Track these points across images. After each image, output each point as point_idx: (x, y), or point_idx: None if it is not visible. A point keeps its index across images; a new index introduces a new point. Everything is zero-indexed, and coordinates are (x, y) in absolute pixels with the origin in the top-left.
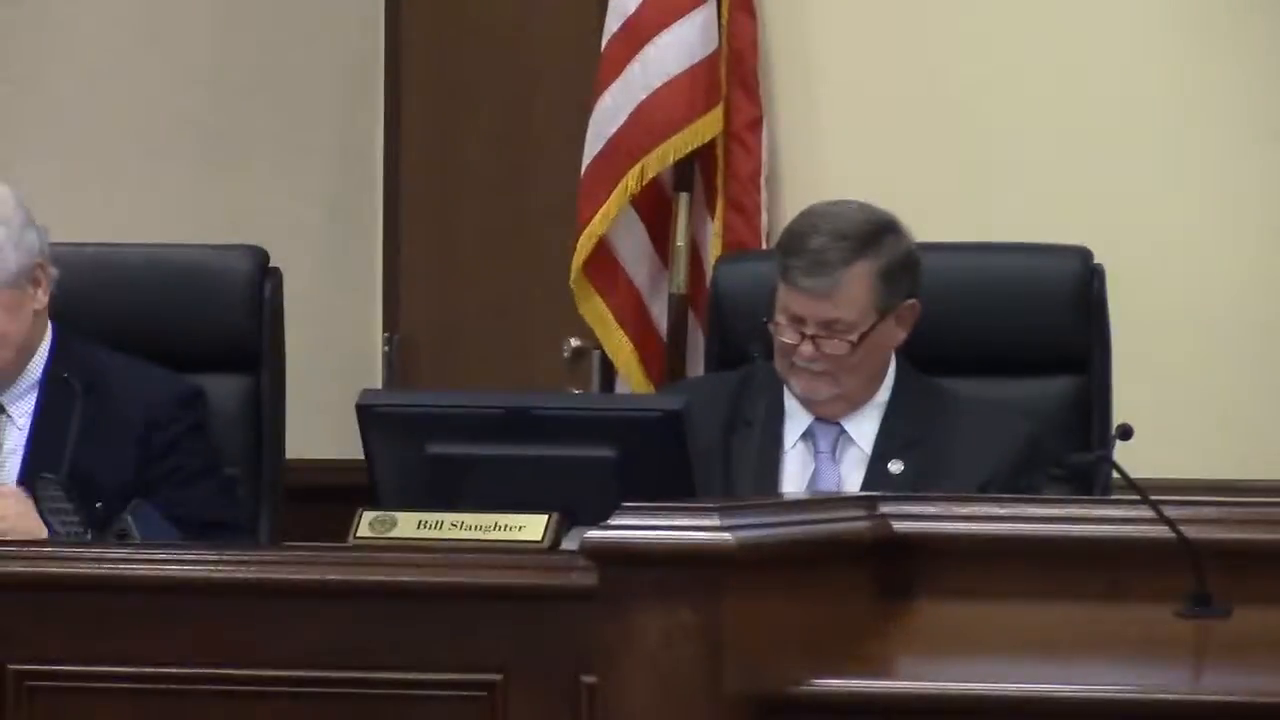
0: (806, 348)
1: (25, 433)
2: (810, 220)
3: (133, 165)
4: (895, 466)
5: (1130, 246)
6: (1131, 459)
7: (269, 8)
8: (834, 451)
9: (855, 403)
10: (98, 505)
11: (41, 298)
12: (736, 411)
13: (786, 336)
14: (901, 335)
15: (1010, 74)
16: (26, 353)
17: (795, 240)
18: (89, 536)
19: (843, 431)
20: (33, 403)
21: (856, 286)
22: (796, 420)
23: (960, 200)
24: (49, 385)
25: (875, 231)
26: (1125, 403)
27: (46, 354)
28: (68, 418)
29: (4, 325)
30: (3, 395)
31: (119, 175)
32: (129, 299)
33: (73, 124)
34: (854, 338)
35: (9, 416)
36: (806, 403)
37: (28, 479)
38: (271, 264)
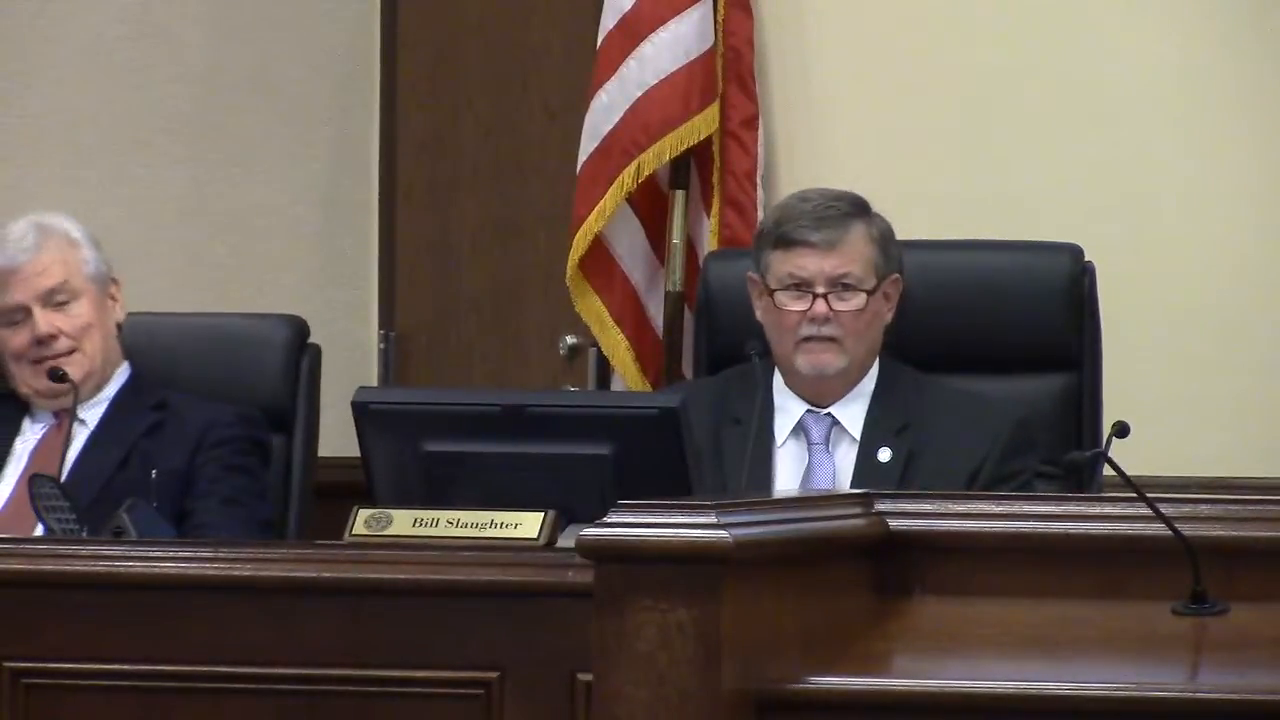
0: (819, 307)
1: (92, 433)
2: (796, 196)
3: (128, 164)
4: (884, 455)
5: (1122, 244)
6: (1123, 456)
7: (264, 6)
8: (827, 442)
9: (851, 380)
10: (154, 472)
11: (119, 314)
12: (723, 411)
13: (794, 305)
14: (890, 312)
15: (1006, 72)
16: (105, 366)
17: (788, 211)
18: (84, 534)
19: (835, 422)
20: (103, 410)
21: (860, 244)
22: (787, 416)
23: (955, 197)
24: (121, 399)
25: (862, 201)
26: (1116, 400)
27: (123, 380)
28: (133, 421)
29: (92, 317)
30: (82, 409)
31: (114, 173)
32: (166, 366)
33: (68, 122)
34: (869, 288)
35: (83, 422)
36: (811, 381)
37: (70, 484)
38: (308, 338)
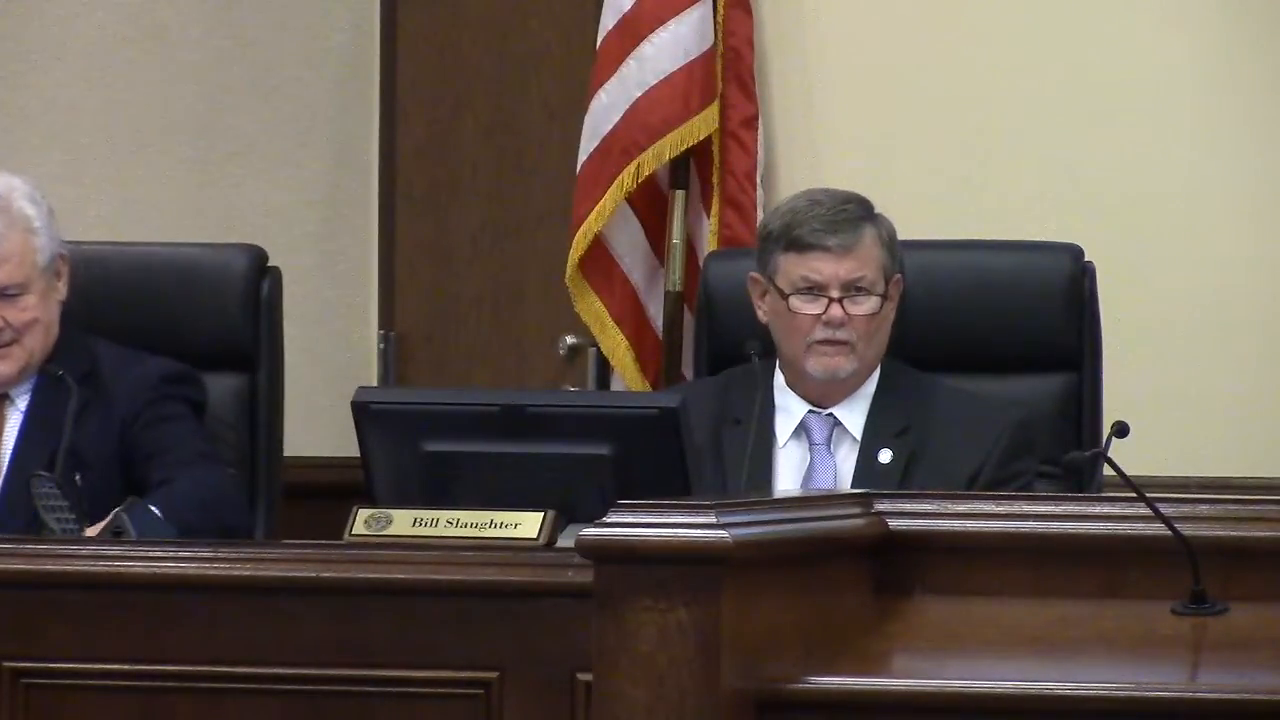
0: (835, 311)
1: (22, 416)
2: (803, 198)
3: (128, 163)
4: (884, 456)
5: (1122, 244)
6: (1123, 456)
7: (264, 6)
8: (829, 443)
9: (857, 382)
10: (77, 477)
11: (63, 290)
12: (723, 412)
13: (808, 308)
14: (893, 312)
15: (1006, 72)
16: (42, 354)
17: (797, 213)
18: (84, 533)
19: (837, 423)
20: (30, 392)
21: (872, 247)
22: (789, 416)
23: (955, 197)
24: (46, 375)
25: (869, 202)
26: (1116, 400)
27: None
28: (62, 404)
29: (39, 311)
30: (13, 389)
31: (114, 174)
32: (126, 297)
33: (68, 122)
34: (881, 291)
35: (10, 399)
36: (820, 384)
37: (11, 472)
38: (270, 263)
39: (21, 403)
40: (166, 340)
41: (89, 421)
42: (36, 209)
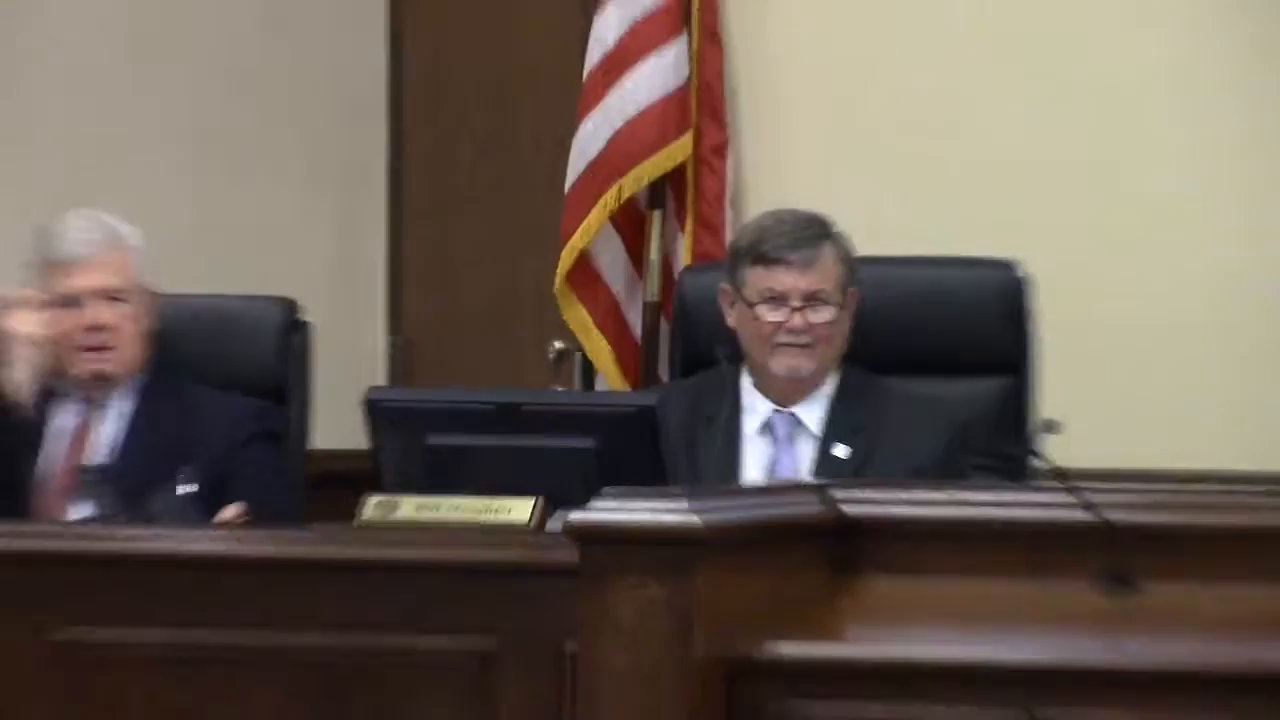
0: (796, 319)
1: (126, 420)
2: (769, 217)
3: (136, 166)
4: (841, 451)
5: (1058, 258)
6: (1061, 454)
7: (284, 41)
8: (791, 439)
9: (816, 383)
10: (182, 470)
11: (146, 320)
12: (697, 410)
13: (771, 315)
14: (848, 320)
15: (957, 106)
16: (132, 369)
17: (764, 231)
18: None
19: (798, 421)
20: (131, 403)
21: (830, 263)
22: (755, 415)
23: (907, 218)
24: (146, 390)
25: (829, 222)
26: (1057, 399)
27: (148, 374)
28: (161, 411)
29: (135, 326)
30: (107, 399)
31: (119, 177)
32: (165, 344)
33: (69, 139)
34: (838, 302)
35: (109, 409)
36: (783, 382)
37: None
38: (298, 316)
39: (122, 411)
40: (203, 380)
41: (194, 423)
42: (131, 234)
